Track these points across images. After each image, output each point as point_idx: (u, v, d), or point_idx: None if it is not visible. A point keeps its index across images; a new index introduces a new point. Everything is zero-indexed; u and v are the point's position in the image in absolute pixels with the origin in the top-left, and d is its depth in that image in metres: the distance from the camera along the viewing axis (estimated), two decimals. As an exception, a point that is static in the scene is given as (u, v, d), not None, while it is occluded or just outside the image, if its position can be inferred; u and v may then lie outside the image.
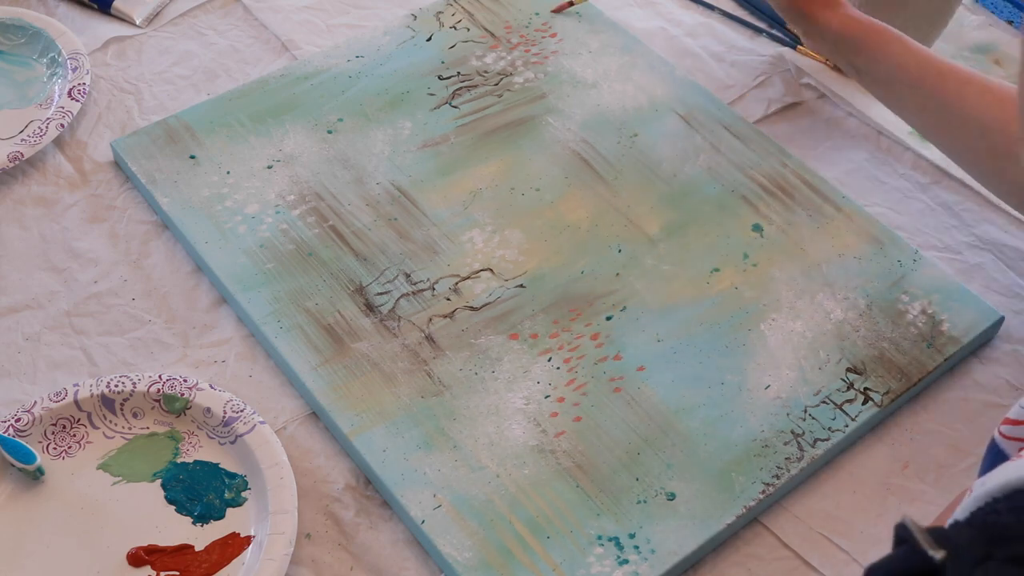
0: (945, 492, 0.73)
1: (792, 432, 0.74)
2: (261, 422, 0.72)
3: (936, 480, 0.74)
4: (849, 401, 0.76)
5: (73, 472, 0.71)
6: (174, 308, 0.82)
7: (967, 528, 0.39)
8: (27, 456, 0.69)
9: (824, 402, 0.76)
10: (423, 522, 0.69)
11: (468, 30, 1.01)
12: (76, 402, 0.73)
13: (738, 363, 0.78)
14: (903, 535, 0.38)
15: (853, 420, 0.75)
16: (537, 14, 1.03)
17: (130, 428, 0.73)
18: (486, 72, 0.97)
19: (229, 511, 0.70)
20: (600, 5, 1.05)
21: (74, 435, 0.73)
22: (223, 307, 0.82)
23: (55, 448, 0.72)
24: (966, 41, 1.06)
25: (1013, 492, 0.41)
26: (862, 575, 0.39)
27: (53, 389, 0.74)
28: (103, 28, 1.02)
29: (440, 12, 1.02)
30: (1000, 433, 0.58)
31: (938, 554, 0.36)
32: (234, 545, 0.68)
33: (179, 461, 0.72)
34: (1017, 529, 0.37)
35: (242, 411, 0.73)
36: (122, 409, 0.73)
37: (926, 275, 0.83)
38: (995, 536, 0.37)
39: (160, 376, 0.74)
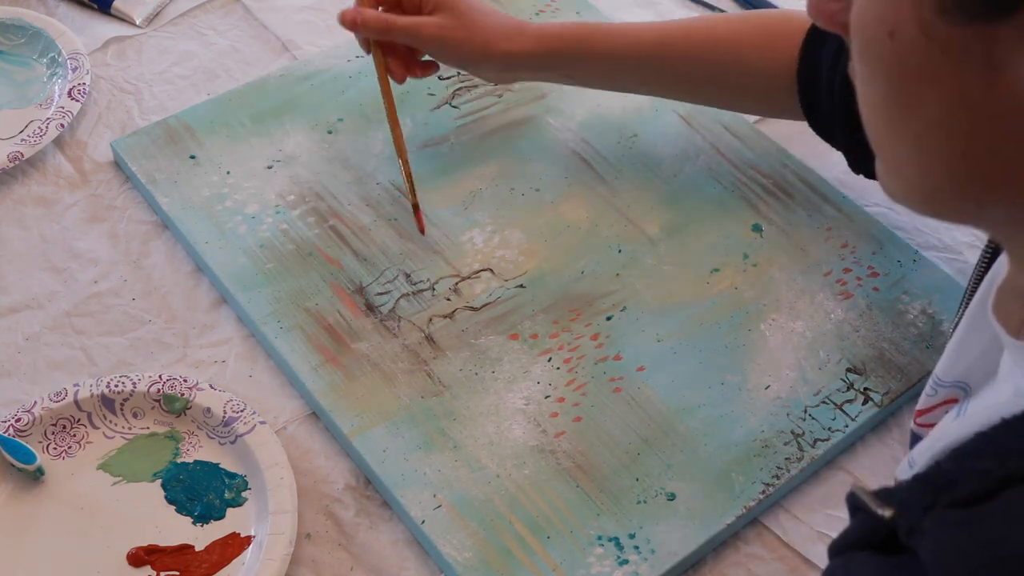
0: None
1: (792, 432, 0.74)
2: (261, 422, 0.72)
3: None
4: (849, 401, 0.76)
5: (73, 472, 0.71)
6: (174, 308, 0.82)
7: (912, 483, 0.40)
8: (27, 457, 0.69)
9: (824, 402, 0.76)
10: (423, 522, 0.69)
11: (468, 30, 1.01)
12: (76, 402, 0.73)
13: (738, 363, 0.78)
14: (856, 503, 0.39)
15: (853, 420, 0.75)
16: (537, 14, 1.03)
17: (130, 428, 0.73)
18: (486, 72, 0.97)
19: (229, 511, 0.70)
20: (600, 5, 1.05)
21: (74, 435, 0.73)
22: (223, 307, 0.82)
23: (55, 448, 0.72)
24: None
25: (951, 451, 0.42)
26: (827, 553, 0.40)
27: (53, 389, 0.74)
28: (103, 28, 1.02)
29: (440, 12, 1.02)
30: (916, 424, 0.60)
31: (886, 512, 0.37)
32: (234, 545, 0.68)
33: (179, 461, 0.72)
34: (957, 474, 0.38)
35: (242, 411, 0.73)
36: (122, 409, 0.73)
37: (926, 275, 0.83)
38: (938, 485, 0.37)
39: (160, 376, 0.74)
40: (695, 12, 1.07)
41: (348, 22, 0.82)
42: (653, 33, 0.84)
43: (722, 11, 1.07)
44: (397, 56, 0.85)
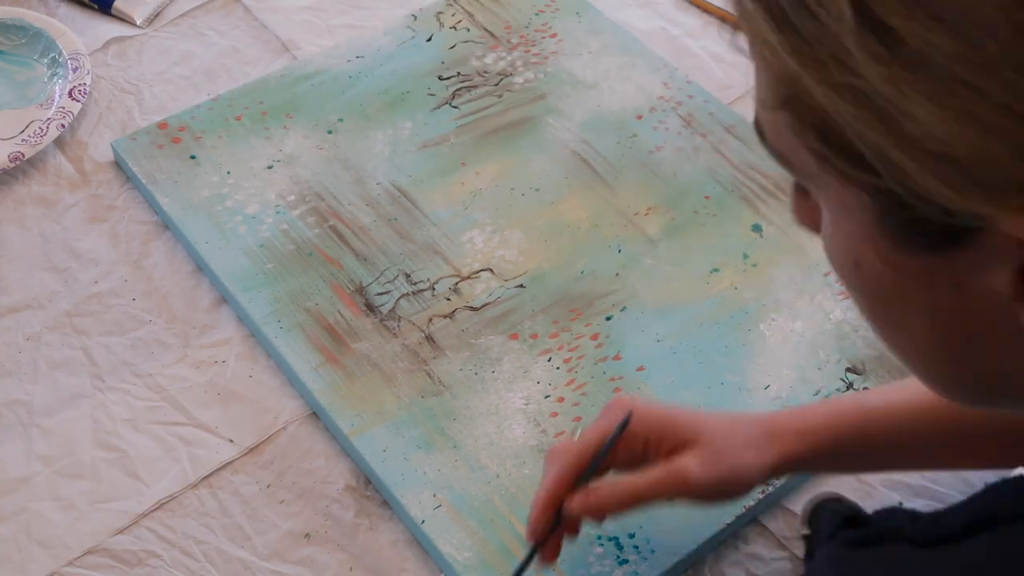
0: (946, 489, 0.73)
1: (792, 432, 0.74)
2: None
3: (936, 478, 0.74)
4: (849, 401, 0.76)
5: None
6: (174, 308, 0.82)
7: (833, 508, 0.40)
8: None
9: (804, 536, 0.75)
10: (423, 522, 0.69)
11: (468, 30, 1.01)
12: None
13: (738, 363, 0.78)
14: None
15: None
16: (537, 14, 1.03)
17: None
18: (486, 72, 0.97)
19: None
20: (600, 5, 1.05)
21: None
22: (223, 307, 0.82)
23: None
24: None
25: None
26: None
27: (53, 389, 0.74)
28: (104, 28, 1.02)
29: (440, 12, 1.03)
30: None
31: (804, 530, 0.38)
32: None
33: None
34: (857, 513, 0.39)
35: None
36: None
37: (926, 275, 0.83)
38: (846, 519, 0.39)
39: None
40: (695, 12, 1.07)
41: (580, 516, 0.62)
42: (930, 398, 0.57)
43: (722, 11, 1.07)
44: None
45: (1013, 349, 0.38)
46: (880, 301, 0.40)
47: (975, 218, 0.33)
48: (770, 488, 0.71)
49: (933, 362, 0.42)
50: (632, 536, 0.69)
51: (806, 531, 0.40)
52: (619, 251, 0.84)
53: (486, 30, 1.01)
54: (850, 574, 0.37)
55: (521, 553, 0.68)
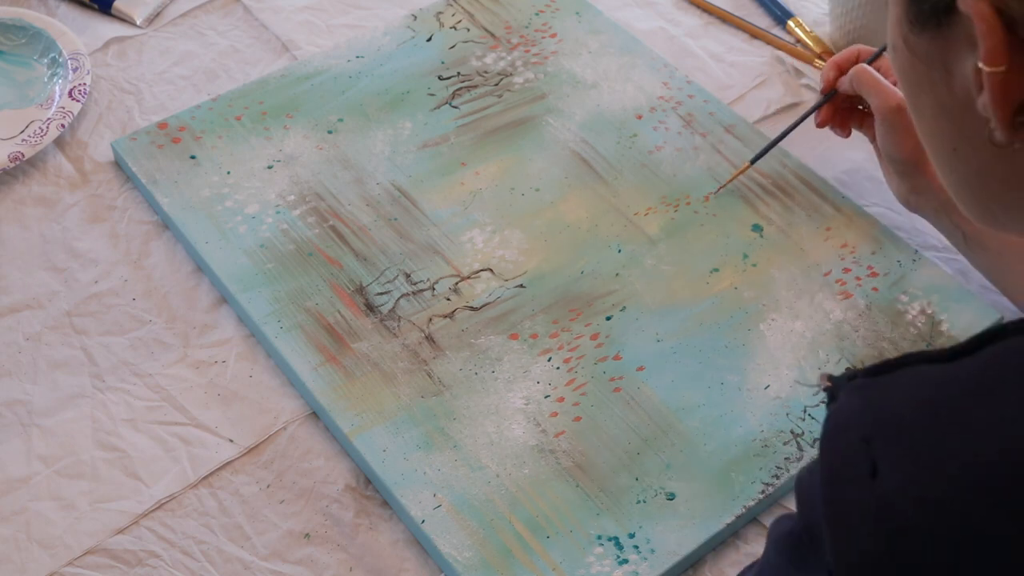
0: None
1: (792, 432, 0.74)
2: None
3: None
4: (849, 401, 0.76)
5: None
6: (174, 308, 0.82)
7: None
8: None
9: (824, 402, 0.76)
10: (423, 522, 0.69)
11: (468, 30, 1.01)
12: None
13: (738, 363, 0.78)
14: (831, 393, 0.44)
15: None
16: (537, 14, 1.03)
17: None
18: (486, 72, 0.97)
19: None
20: (600, 5, 1.05)
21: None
22: (223, 307, 0.82)
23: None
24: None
25: None
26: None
27: (53, 389, 0.74)
28: (104, 28, 1.02)
29: (440, 12, 1.03)
30: None
31: (826, 383, 0.43)
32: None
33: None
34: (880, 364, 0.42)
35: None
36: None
37: (925, 275, 0.83)
38: (867, 369, 0.42)
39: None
40: (695, 12, 1.07)
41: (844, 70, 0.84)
42: None
43: (722, 11, 1.07)
44: (844, 110, 0.86)
45: (993, 164, 0.42)
46: (906, 84, 0.44)
47: None
48: (770, 488, 0.71)
49: (942, 163, 0.46)
50: (632, 536, 0.69)
51: (828, 383, 0.42)
52: (619, 251, 0.84)
53: (486, 30, 1.01)
54: (874, 396, 0.40)
55: (521, 553, 0.68)
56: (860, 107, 0.87)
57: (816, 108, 0.87)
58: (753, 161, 0.88)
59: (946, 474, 0.36)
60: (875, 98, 0.80)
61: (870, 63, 0.83)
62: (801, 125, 0.88)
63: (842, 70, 0.85)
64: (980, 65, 0.38)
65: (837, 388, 0.42)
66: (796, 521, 0.43)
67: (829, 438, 0.41)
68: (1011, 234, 0.48)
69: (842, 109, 0.87)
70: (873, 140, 0.84)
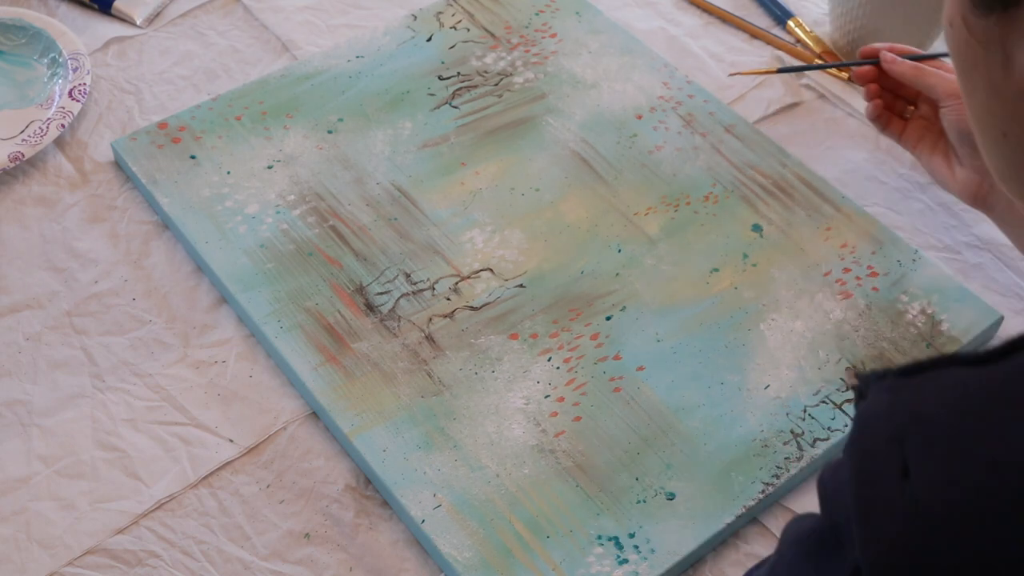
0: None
1: (792, 432, 0.74)
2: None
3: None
4: (849, 401, 0.76)
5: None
6: (174, 308, 0.82)
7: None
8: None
9: (823, 402, 0.76)
10: (423, 522, 0.69)
11: (468, 30, 1.01)
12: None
13: (738, 363, 0.78)
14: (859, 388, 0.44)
15: (853, 420, 0.75)
16: (537, 14, 1.03)
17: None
18: (486, 72, 0.97)
19: None
20: (600, 5, 1.05)
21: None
22: (223, 307, 0.82)
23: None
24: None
25: None
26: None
27: (53, 389, 0.74)
28: (104, 28, 1.02)
29: (440, 12, 1.03)
30: None
31: (853, 382, 0.44)
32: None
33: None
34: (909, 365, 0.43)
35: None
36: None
37: (925, 275, 0.83)
38: (899, 369, 0.42)
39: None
40: (695, 12, 1.07)
41: (886, 60, 0.82)
42: None
43: (722, 11, 1.07)
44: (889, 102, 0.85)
45: None
46: (959, 62, 0.45)
47: None
48: (770, 488, 0.71)
49: (990, 147, 0.46)
50: (632, 536, 0.69)
51: (855, 382, 0.43)
52: (619, 251, 0.84)
53: (486, 30, 1.01)
54: (905, 397, 0.40)
55: (521, 553, 0.68)
56: (904, 116, 0.85)
57: (850, 64, 0.85)
58: (781, 71, 0.88)
59: (978, 477, 0.36)
60: (938, 86, 0.78)
61: (914, 59, 0.82)
62: (803, 125, 0.88)
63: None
64: None
65: (865, 386, 0.42)
66: (820, 520, 0.43)
67: (859, 437, 0.41)
68: None
69: (885, 101, 0.85)
70: (913, 149, 0.83)
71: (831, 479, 0.42)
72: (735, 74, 0.88)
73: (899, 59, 0.82)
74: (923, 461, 0.38)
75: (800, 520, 0.46)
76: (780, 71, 0.88)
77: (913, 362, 0.41)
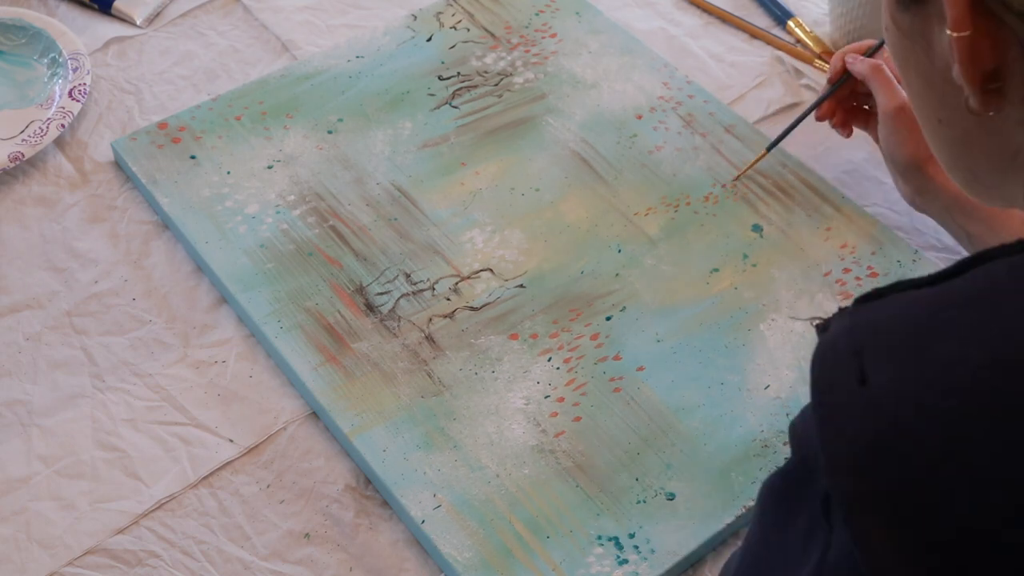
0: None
1: (792, 432, 0.74)
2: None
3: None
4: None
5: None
6: (174, 308, 0.82)
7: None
8: None
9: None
10: (423, 522, 0.69)
11: (468, 30, 1.01)
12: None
13: (738, 363, 0.78)
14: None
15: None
16: (537, 14, 1.03)
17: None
18: (486, 72, 0.97)
19: None
20: (600, 5, 1.05)
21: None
22: (223, 307, 0.82)
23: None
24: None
25: None
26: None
27: (53, 389, 0.74)
28: (104, 28, 1.02)
29: (440, 12, 1.03)
30: None
31: (816, 321, 0.45)
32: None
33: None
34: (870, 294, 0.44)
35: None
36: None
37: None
38: (856, 299, 0.44)
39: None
40: (695, 12, 1.07)
41: (848, 62, 0.85)
42: None
43: (722, 11, 1.07)
44: (848, 108, 0.88)
45: (974, 133, 0.44)
46: (897, 60, 0.47)
47: None
48: (770, 488, 0.71)
49: (931, 135, 0.48)
50: (632, 536, 0.69)
51: (819, 321, 0.44)
52: (619, 251, 0.84)
53: (486, 30, 1.01)
54: (863, 316, 0.42)
55: (521, 553, 0.68)
56: (866, 107, 0.87)
57: (827, 96, 0.87)
58: (770, 148, 0.89)
59: (931, 375, 0.37)
60: (881, 95, 0.81)
61: (870, 54, 0.84)
62: (803, 125, 0.88)
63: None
64: (948, 32, 0.40)
65: (828, 322, 0.44)
66: (789, 461, 0.43)
67: (819, 356, 0.42)
68: (999, 205, 0.49)
69: (846, 107, 0.88)
70: (877, 141, 0.84)
71: (800, 421, 0.43)
72: (738, 179, 0.89)
73: (860, 58, 0.85)
74: (880, 366, 0.39)
75: (769, 478, 0.47)
76: (768, 149, 0.89)
77: (871, 290, 0.43)
